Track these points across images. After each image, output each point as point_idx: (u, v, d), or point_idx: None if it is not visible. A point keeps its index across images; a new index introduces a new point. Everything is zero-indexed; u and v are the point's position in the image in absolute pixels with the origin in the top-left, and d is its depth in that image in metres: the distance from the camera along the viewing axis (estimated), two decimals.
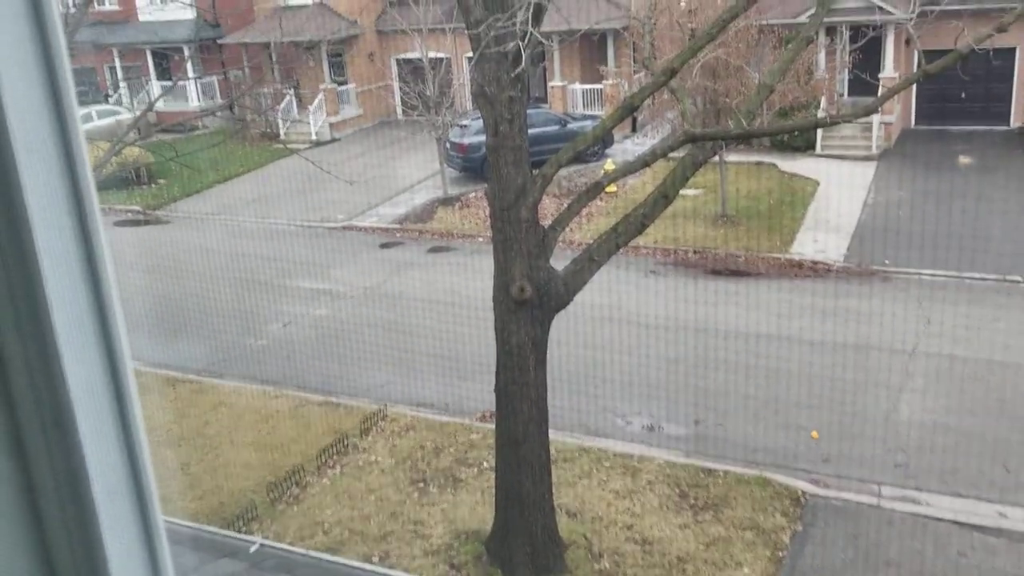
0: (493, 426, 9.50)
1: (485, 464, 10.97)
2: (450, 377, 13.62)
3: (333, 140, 30.32)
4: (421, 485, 10.89)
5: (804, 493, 10.33)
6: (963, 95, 24.86)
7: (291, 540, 9.69)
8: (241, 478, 11.24)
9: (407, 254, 19.79)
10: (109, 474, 0.81)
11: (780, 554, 9.35)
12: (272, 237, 21.57)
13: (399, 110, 31.29)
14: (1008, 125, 24.75)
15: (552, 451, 9.39)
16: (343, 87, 31.83)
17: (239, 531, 9.68)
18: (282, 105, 30.03)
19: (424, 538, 9.86)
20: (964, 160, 22.64)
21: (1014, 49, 23.85)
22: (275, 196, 24.48)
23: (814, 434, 11.54)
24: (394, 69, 32.16)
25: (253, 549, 4.50)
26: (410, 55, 28.34)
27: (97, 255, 0.78)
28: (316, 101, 30.53)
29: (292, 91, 31.06)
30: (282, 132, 30.19)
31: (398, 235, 21.12)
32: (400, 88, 28.98)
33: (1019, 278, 15.66)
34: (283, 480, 11.10)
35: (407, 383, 13.62)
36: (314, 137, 30.13)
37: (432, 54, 23.34)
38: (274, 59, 30.83)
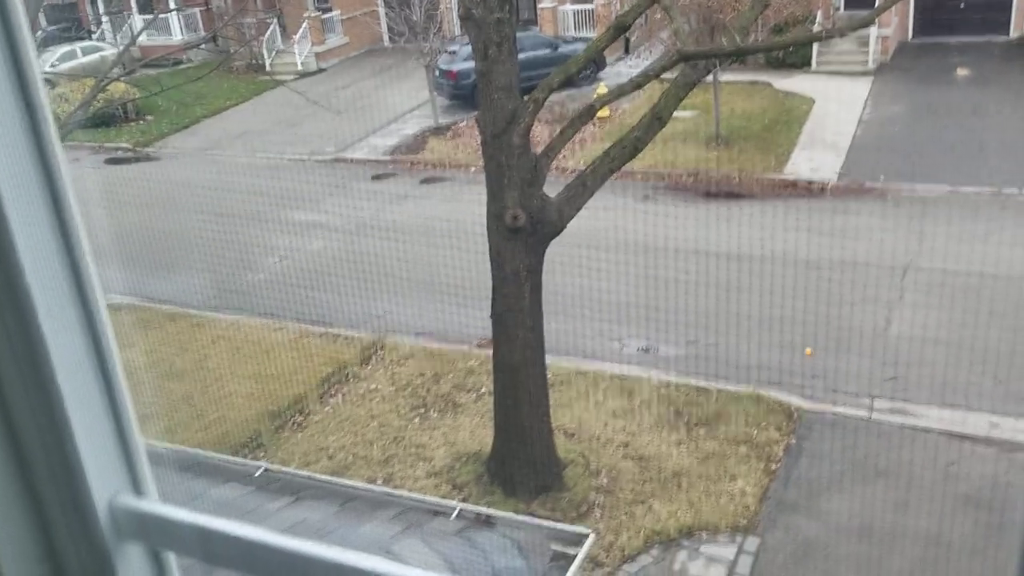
0: (491, 352, 9.63)
1: (484, 389, 11.15)
2: (448, 305, 13.72)
3: (319, 70, 29.87)
4: (422, 411, 11.09)
5: (797, 408, 10.52)
6: (962, 4, 24.42)
7: (296, 465, 9.92)
8: (244, 408, 11.44)
9: (400, 186, 19.70)
10: (85, 397, 0.86)
11: (773, 466, 9.58)
12: (262, 171, 21.44)
13: (386, 37, 30.75)
14: (1008, 35, 24.36)
15: (549, 374, 9.54)
16: (328, 14, 31.21)
17: (245, 458, 9.91)
18: (266, 35, 29.48)
19: (426, 460, 10.09)
20: (961, 72, 22.37)
21: None
22: (263, 129, 24.25)
23: (808, 351, 11.69)
24: None
25: (258, 473, 4.64)
26: None
27: (61, 193, 0.80)
28: (300, 30, 29.97)
29: (276, 20, 30.47)
30: (267, 63, 29.71)
31: (390, 166, 20.98)
32: (386, 14, 28.43)
33: (1015, 190, 15.65)
34: (286, 409, 11.30)
35: (405, 312, 13.73)
36: (300, 67, 29.67)
37: None
38: None
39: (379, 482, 9.69)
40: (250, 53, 29.11)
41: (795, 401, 10.67)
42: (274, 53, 29.97)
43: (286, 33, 30.47)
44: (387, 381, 11.86)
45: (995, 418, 10.06)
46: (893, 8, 20.39)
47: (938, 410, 10.38)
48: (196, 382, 12.26)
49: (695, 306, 12.95)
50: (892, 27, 23.97)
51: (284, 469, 6.48)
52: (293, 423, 11.09)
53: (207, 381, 12.28)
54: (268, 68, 29.55)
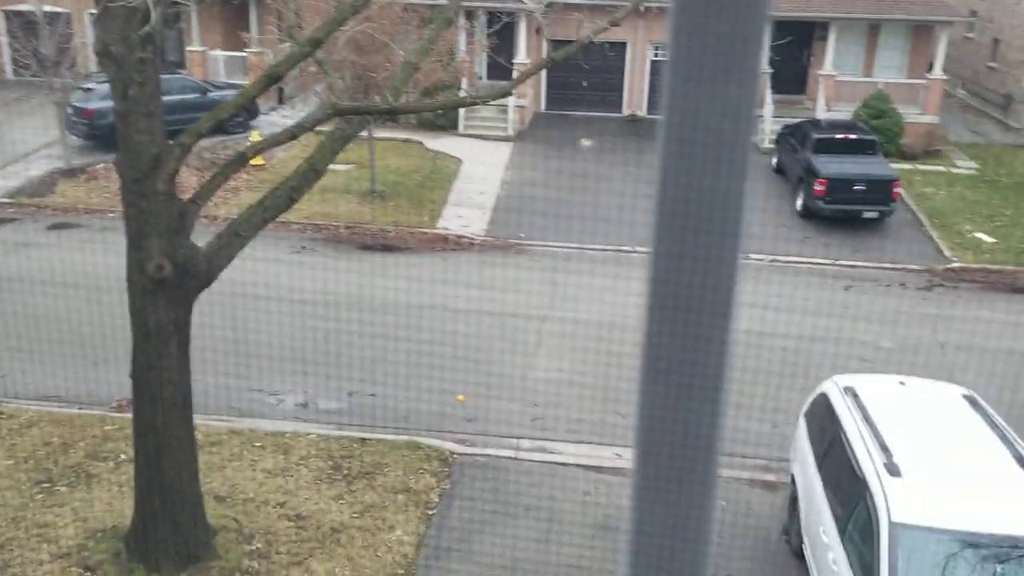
0: (131, 415, 8.84)
1: (123, 456, 10.20)
2: (80, 365, 12.42)
3: None
4: (47, 485, 9.85)
5: (452, 453, 10.90)
6: (585, 83, 27.41)
7: None
8: None
9: (21, 233, 17.62)
10: None
11: (430, 512, 9.80)
12: None
13: (9, 69, 27.59)
14: (621, 112, 27.76)
15: (199, 435, 8.97)
16: None
17: None
18: None
19: (52, 541, 8.95)
20: (586, 143, 25.02)
21: (625, 43, 26.72)
22: None
23: (460, 398, 12.20)
24: (1, 23, 28.29)
25: None
26: (21, 7, 25.08)
27: None
28: None
29: None
30: None
31: (9, 211, 18.70)
32: (10, 44, 25.53)
33: (629, 248, 17.71)
34: None
35: (28, 375, 12.20)
36: None
37: (48, 8, 20.86)
38: None
39: None
40: None
41: (449, 446, 11.05)
42: None
43: None
44: (3, 454, 10.40)
45: (620, 450, 11.16)
46: (528, 81, 22.37)
47: (574, 446, 11.32)
48: None
49: (355, 356, 12.98)
50: (529, 98, 26.25)
51: None
52: None
53: None
54: None
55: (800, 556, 8.96)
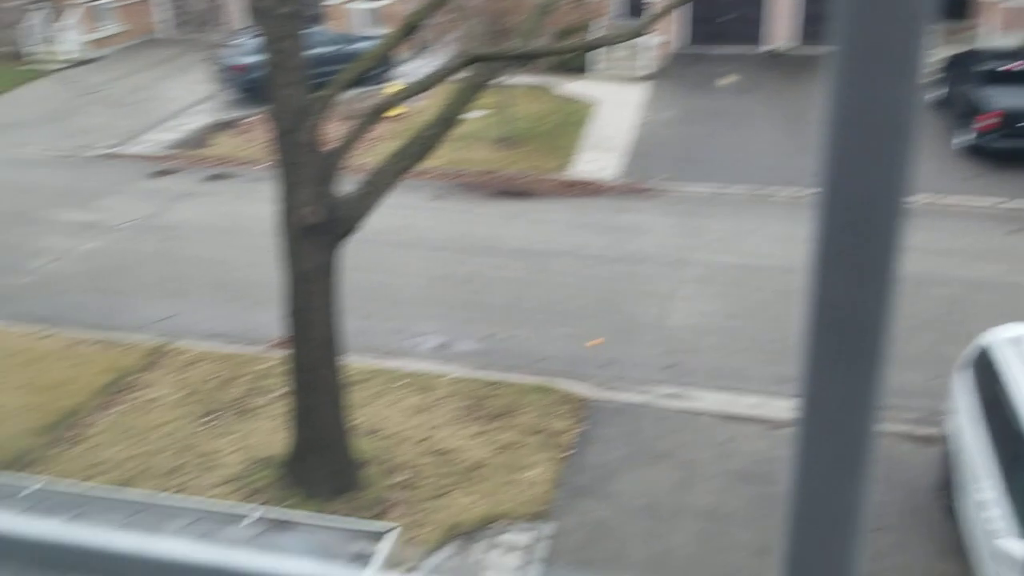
0: (285, 353, 9.43)
1: (279, 391, 10.88)
2: (239, 306, 13.26)
3: (92, 59, 27.84)
4: (213, 416, 10.67)
5: (587, 397, 11.06)
6: (723, 19, 26.45)
7: (74, 480, 9.26)
8: (12, 423, 10.51)
9: (183, 183, 18.78)
10: None
11: (565, 454, 10.03)
12: (29, 167, 19.73)
13: (167, 27, 29.14)
14: (762, 47, 26.68)
15: (347, 374, 9.47)
16: (100, 0, 29.13)
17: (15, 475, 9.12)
18: (32, 21, 27.11)
19: (219, 467, 9.73)
20: (725, 80, 24.24)
21: None
22: (29, 122, 22.30)
23: (595, 342, 12.31)
24: None
25: (30, 491, 4.30)
26: None
27: None
28: (70, 16, 27.80)
29: (43, 5, 28.07)
30: (34, 51, 27.35)
31: (171, 163, 19.93)
32: (167, 2, 26.96)
33: (775, 189, 17.18)
34: (60, 422, 10.49)
35: (193, 315, 13.13)
36: (73, 55, 27.52)
37: None
38: None
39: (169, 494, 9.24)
40: (12, 39, 26.68)
41: (584, 390, 11.21)
42: (41, 40, 27.61)
43: (55, 19, 28.14)
44: (174, 387, 11.30)
45: (760, 399, 11.02)
46: (667, 18, 21.80)
47: (712, 393, 11.24)
48: None
49: (490, 301, 13.29)
50: (666, 36, 25.60)
51: (61, 485, 6.03)
52: (68, 437, 10.32)
53: None
54: (34, 55, 27.21)
55: (953, 514, 8.65)
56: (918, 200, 16.42)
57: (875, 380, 0.87)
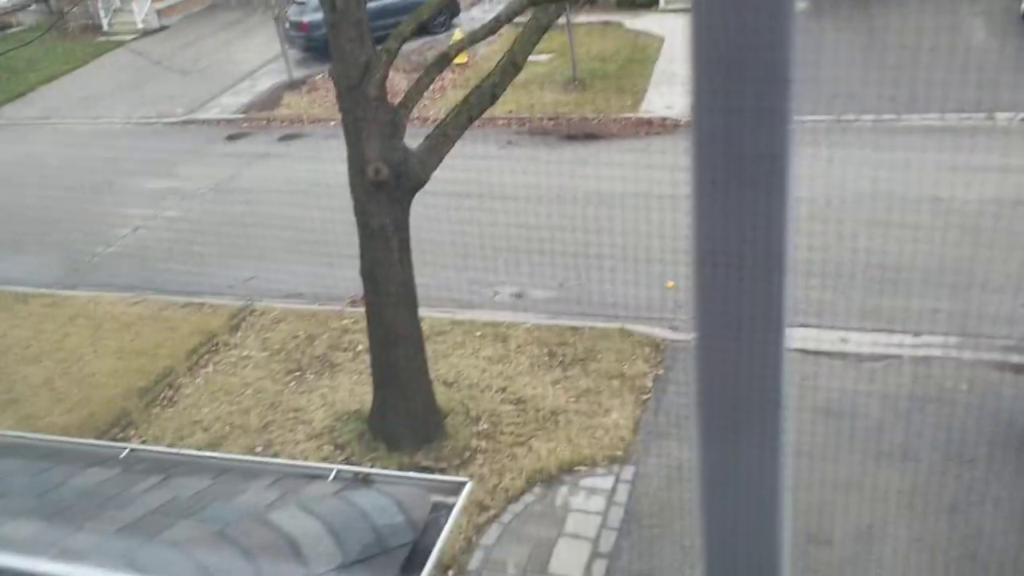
0: (364, 309, 9.57)
1: (360, 347, 11.10)
2: (316, 265, 13.50)
3: (162, 28, 28.35)
4: (297, 373, 10.95)
5: (664, 339, 10.96)
6: None
7: (170, 441, 9.67)
8: (109, 387, 11.00)
9: (256, 145, 19.08)
10: None
11: (644, 397, 10.00)
12: (108, 137, 20.33)
13: None
14: None
15: (424, 326, 9.58)
16: None
17: (114, 439, 9.57)
18: None
19: (306, 423, 10.01)
20: (799, 5, 23.29)
21: None
22: (105, 93, 22.92)
23: (669, 284, 12.15)
24: None
25: (123, 455, 4.50)
26: None
27: None
28: None
29: None
30: (105, 23, 27.98)
31: (244, 125, 20.26)
32: None
33: (851, 117, 16.55)
34: (154, 384, 10.93)
35: (273, 276, 13.43)
36: (140, 26, 28.06)
37: None
38: None
39: (258, 450, 9.57)
40: (86, 13, 27.34)
41: (661, 333, 11.11)
42: (112, 12, 28.21)
43: None
44: (259, 347, 11.63)
45: (844, 333, 10.76)
46: None
47: (796, 330, 11.00)
48: (55, 364, 11.68)
49: (562, 249, 13.21)
50: None
51: (151, 448, 6.29)
52: (163, 398, 10.75)
53: (67, 362, 11.72)
54: (106, 28, 27.85)
55: None
56: (1014, 116, 15.62)
57: (777, 295, 0.82)
